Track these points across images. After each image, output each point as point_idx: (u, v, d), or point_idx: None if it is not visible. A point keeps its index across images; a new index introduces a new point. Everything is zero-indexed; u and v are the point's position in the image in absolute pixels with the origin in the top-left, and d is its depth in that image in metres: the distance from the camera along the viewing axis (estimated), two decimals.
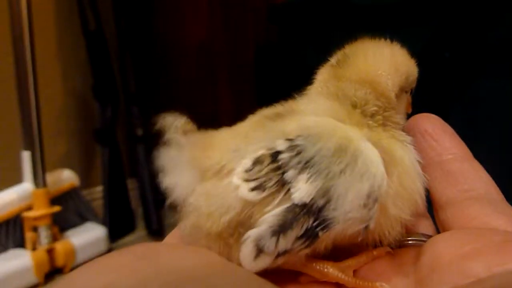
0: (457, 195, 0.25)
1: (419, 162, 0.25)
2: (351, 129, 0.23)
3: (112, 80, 1.35)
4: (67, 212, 1.17)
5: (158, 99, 1.43)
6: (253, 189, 0.20)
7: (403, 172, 0.23)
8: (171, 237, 0.25)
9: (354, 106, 0.25)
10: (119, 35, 1.38)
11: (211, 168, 0.23)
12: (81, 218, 1.22)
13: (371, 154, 0.22)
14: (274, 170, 0.21)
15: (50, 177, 1.12)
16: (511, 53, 0.99)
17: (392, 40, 0.28)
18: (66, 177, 1.20)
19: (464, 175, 0.25)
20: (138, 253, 0.19)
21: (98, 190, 1.39)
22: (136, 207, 1.40)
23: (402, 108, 0.28)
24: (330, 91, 0.26)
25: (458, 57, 1.05)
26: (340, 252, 0.23)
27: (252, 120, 0.25)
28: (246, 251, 0.20)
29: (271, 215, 0.20)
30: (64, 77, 1.35)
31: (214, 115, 1.37)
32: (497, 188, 0.25)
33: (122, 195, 1.36)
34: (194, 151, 0.24)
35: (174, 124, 0.24)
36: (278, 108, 0.25)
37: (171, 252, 0.20)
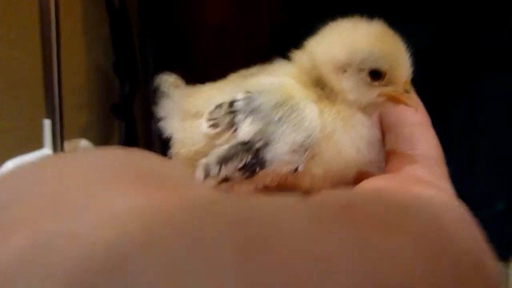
0: (401, 151, 0.29)
1: (367, 137, 0.29)
2: (299, 89, 0.27)
3: (132, 59, 1.41)
4: None
5: None
6: (210, 126, 0.27)
7: (331, 144, 0.27)
8: None
9: (305, 72, 0.29)
10: (141, 15, 1.44)
11: (190, 111, 0.29)
12: None
13: (307, 111, 0.26)
14: (229, 113, 0.26)
15: (68, 145, 1.20)
16: None
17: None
18: (83, 146, 1.29)
19: (412, 137, 0.29)
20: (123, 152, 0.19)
21: None
22: None
23: (357, 86, 0.28)
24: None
25: (463, 56, 1.06)
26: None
27: (230, 78, 0.31)
28: (198, 173, 0.26)
29: (220, 149, 0.26)
30: (88, 52, 1.43)
31: None
32: (439, 150, 0.29)
33: None
34: (180, 98, 0.31)
35: (168, 80, 0.32)
36: (254, 69, 0.31)
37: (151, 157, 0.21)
